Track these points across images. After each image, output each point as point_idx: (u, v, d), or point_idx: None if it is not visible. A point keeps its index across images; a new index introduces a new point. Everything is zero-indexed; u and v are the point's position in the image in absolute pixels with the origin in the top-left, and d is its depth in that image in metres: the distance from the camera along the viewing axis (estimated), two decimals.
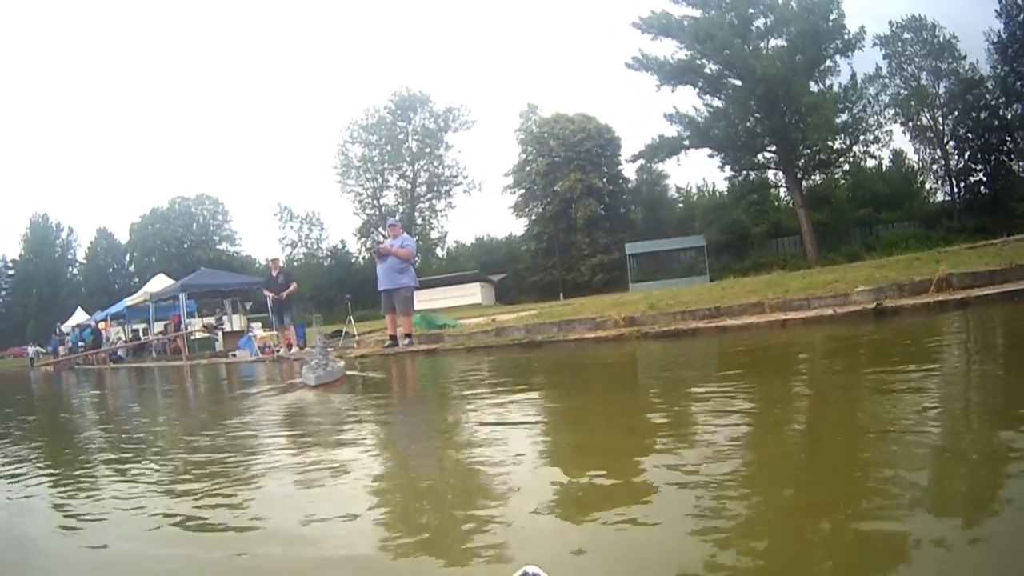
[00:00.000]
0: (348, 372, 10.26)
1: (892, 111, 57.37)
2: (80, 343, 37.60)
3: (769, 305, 10.13)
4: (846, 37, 53.21)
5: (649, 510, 2.57)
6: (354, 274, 73.72)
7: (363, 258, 78.03)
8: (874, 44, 55.97)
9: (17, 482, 4.28)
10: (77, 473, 4.50)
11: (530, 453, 3.71)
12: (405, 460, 4.14)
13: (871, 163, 61.56)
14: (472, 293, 64.30)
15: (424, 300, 42.90)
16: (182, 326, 28.43)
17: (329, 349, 11.92)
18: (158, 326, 32.57)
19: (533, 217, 71.46)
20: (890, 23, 57.72)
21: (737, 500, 2.57)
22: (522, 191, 71.78)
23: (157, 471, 4.36)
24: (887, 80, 56.42)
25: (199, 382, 14.93)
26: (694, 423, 4.02)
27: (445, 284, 62.51)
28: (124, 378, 19.40)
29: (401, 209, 79.92)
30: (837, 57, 53.98)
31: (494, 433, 4.39)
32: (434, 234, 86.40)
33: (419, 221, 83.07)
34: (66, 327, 46.56)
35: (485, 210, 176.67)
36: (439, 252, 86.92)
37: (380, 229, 15.61)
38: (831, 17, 52.30)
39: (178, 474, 4.24)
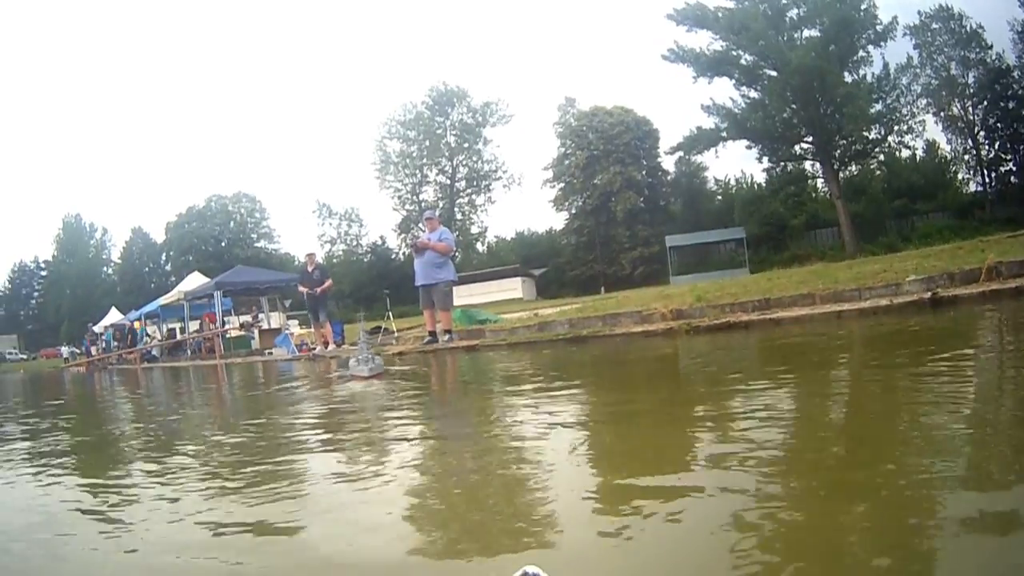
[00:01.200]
0: (386, 368, 10.11)
1: (924, 101, 57.40)
2: (115, 343, 37.65)
3: (820, 296, 9.87)
4: (878, 27, 53.05)
5: (706, 535, 2.23)
6: (394, 270, 74.31)
7: (403, 254, 78.50)
8: (904, 34, 56.04)
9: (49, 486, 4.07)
10: (108, 482, 4.25)
11: (575, 456, 3.41)
12: (443, 463, 3.82)
13: (905, 154, 61.68)
14: (513, 288, 64.15)
15: (464, 295, 42.74)
16: (217, 324, 28.32)
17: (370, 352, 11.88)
18: (193, 324, 32.50)
19: (573, 211, 71.87)
20: (919, 13, 57.89)
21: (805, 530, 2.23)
22: (562, 185, 72.12)
23: (197, 473, 4.18)
24: (918, 70, 56.35)
25: (228, 380, 14.65)
26: (760, 426, 3.55)
27: (486, 279, 62.61)
28: (156, 378, 19.11)
29: (441, 204, 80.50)
30: (869, 47, 53.81)
31: (537, 434, 4.02)
32: (474, 229, 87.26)
33: (459, 216, 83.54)
34: (99, 327, 46.76)
35: (525, 204, 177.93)
36: (479, 247, 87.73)
37: (420, 224, 15.45)
38: (863, 7, 52.17)
39: (221, 474, 4.06)
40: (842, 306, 9.16)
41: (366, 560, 2.40)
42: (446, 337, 13.77)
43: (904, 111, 56.53)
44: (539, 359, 9.62)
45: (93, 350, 42.45)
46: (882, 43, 53.65)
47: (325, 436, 5.21)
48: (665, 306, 11.04)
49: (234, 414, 8.13)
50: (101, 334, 44.25)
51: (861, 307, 8.84)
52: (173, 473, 4.21)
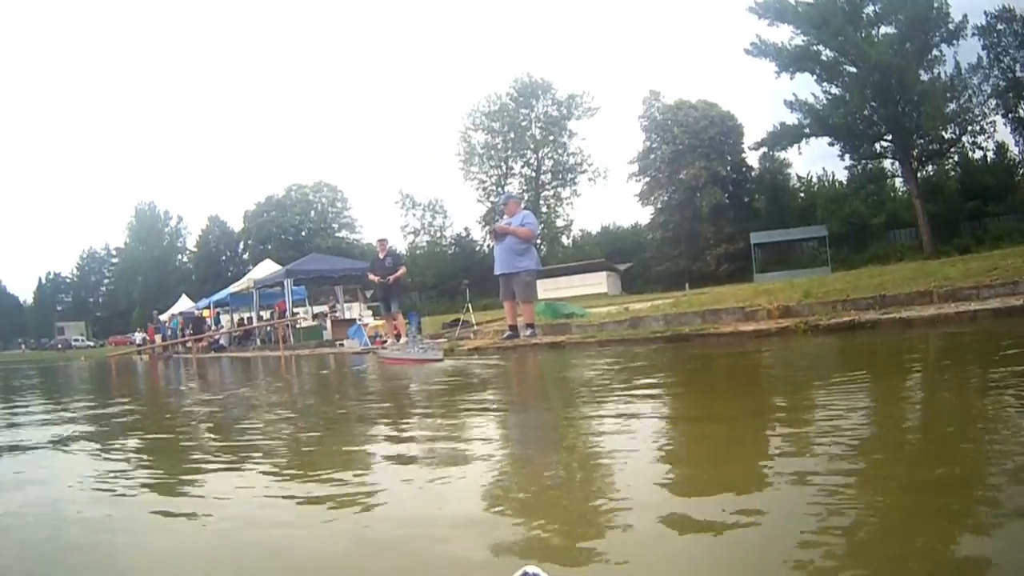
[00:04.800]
0: (450, 366, 9.79)
1: (994, 102, 57.15)
2: (187, 330, 37.55)
3: (937, 294, 9.01)
4: (950, 26, 53.46)
5: None
6: (478, 262, 74.07)
7: (487, 246, 76.96)
8: (973, 34, 55.53)
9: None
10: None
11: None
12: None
13: (978, 155, 61.36)
14: (598, 282, 63.59)
15: (549, 289, 42.52)
16: (287, 313, 28.02)
17: (428, 341, 11.59)
18: (266, 314, 32.19)
19: (659, 205, 71.87)
20: (985, 13, 57.14)
21: None
22: (647, 179, 72.06)
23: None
24: (987, 70, 56.04)
25: (255, 374, 14.36)
26: None
27: (571, 273, 62.30)
28: (204, 368, 18.78)
29: (526, 197, 79.91)
30: (942, 46, 54.26)
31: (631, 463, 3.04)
32: (559, 222, 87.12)
33: (544, 209, 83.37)
34: (167, 315, 46.99)
35: (610, 198, 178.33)
36: (565, 241, 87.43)
37: (504, 216, 14.76)
38: (935, 5, 52.59)
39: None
40: (968, 305, 8.32)
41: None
42: (528, 332, 12.88)
43: (976, 111, 56.74)
44: (639, 361, 8.42)
45: (158, 338, 42.45)
46: (954, 42, 54.04)
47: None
48: (770, 302, 10.27)
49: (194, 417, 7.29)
50: (167, 322, 44.40)
51: (995, 307, 7.97)
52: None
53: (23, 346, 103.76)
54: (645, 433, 3.76)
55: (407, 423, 5.18)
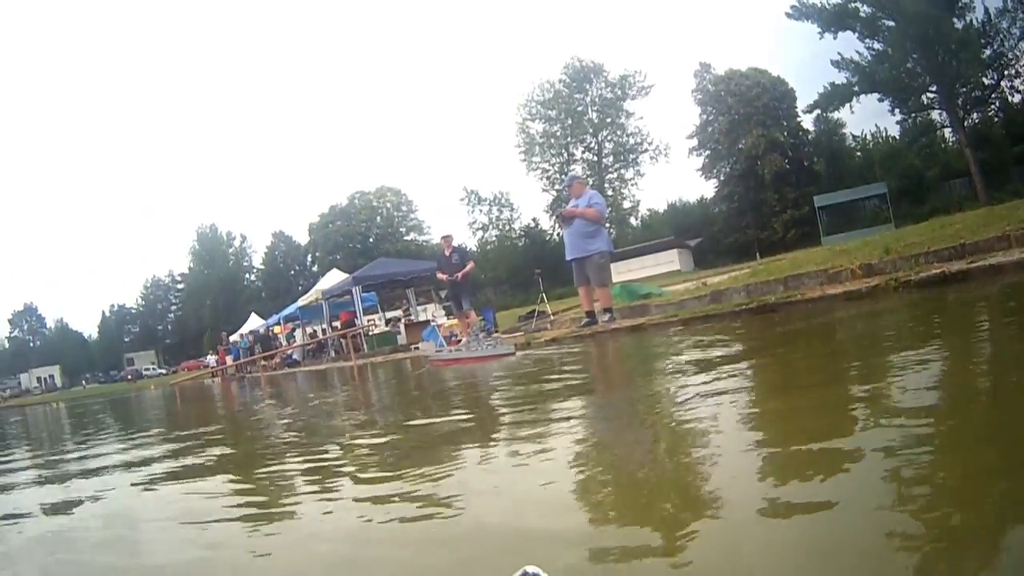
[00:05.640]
0: (527, 360, 9.67)
1: None
2: (256, 347, 37.91)
3: (1015, 237, 8.91)
4: None
5: None
6: (549, 252, 73.71)
7: (557, 235, 77.35)
8: None
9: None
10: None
11: None
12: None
13: (1016, 98, 61.18)
14: (670, 260, 64.17)
15: (622, 271, 42.70)
16: (358, 321, 28.11)
17: (497, 334, 11.58)
18: (338, 324, 32.31)
19: (722, 177, 72.95)
20: None
21: None
22: (707, 152, 73.48)
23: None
24: (1013, 14, 55.82)
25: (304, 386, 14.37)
26: None
27: (642, 253, 63.07)
28: (277, 385, 18.94)
29: (591, 181, 79.45)
30: None
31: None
32: (626, 204, 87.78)
33: (609, 192, 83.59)
34: (237, 335, 47.47)
35: (675, 174, 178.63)
36: (633, 221, 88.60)
37: (571, 199, 14.41)
38: None
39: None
40: None
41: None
42: (606, 317, 12.67)
43: (1009, 56, 57.08)
44: (730, 336, 7.88)
45: (228, 359, 42.88)
46: None
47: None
48: (851, 262, 10.18)
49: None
50: (237, 342, 44.85)
51: None
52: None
53: (84, 382, 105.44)
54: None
55: (494, 425, 4.89)
